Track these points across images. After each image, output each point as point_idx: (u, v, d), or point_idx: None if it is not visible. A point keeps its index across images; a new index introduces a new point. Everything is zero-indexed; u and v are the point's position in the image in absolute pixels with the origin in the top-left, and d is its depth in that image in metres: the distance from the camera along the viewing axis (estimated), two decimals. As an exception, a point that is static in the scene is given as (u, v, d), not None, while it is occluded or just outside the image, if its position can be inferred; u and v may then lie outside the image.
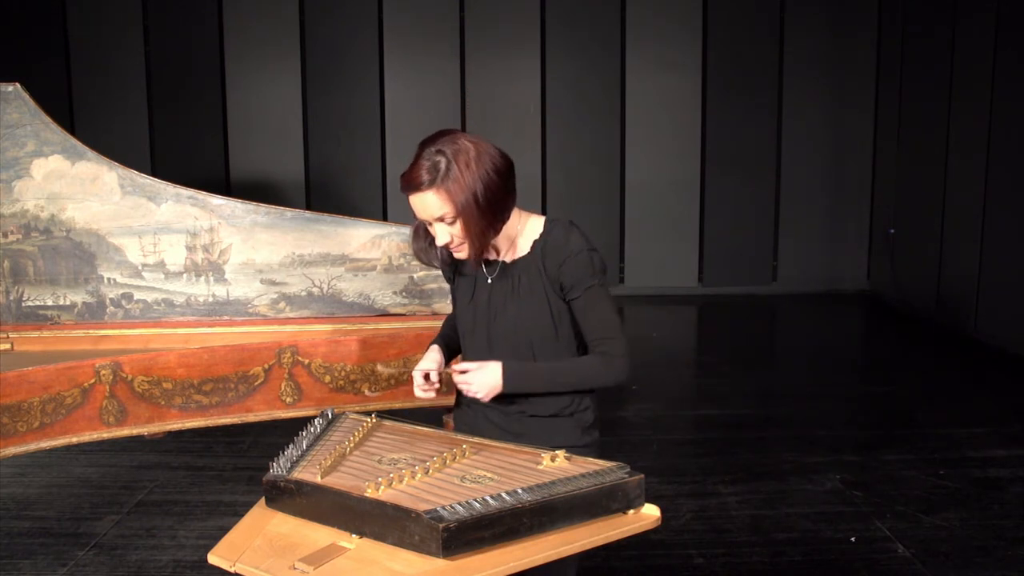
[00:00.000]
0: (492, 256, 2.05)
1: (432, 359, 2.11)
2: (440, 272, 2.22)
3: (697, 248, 8.72)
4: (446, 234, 1.92)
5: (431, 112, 8.21)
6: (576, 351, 2.03)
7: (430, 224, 1.94)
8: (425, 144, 1.90)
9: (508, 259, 2.03)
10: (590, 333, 1.98)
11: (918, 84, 7.71)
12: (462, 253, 1.96)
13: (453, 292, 2.17)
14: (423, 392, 2.06)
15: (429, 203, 1.88)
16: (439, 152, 1.87)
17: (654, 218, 8.59)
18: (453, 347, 2.19)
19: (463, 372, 1.97)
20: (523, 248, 2.02)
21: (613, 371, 1.98)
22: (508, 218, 1.98)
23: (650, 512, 1.68)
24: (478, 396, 1.96)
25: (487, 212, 1.89)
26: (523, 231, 2.03)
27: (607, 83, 8.49)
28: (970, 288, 6.81)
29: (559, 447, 1.84)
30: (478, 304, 2.05)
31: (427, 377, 2.06)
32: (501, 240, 2.01)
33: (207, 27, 8.38)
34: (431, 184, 1.86)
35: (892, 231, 8.23)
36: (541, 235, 2.01)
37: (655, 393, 5.45)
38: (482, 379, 1.94)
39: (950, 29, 7.09)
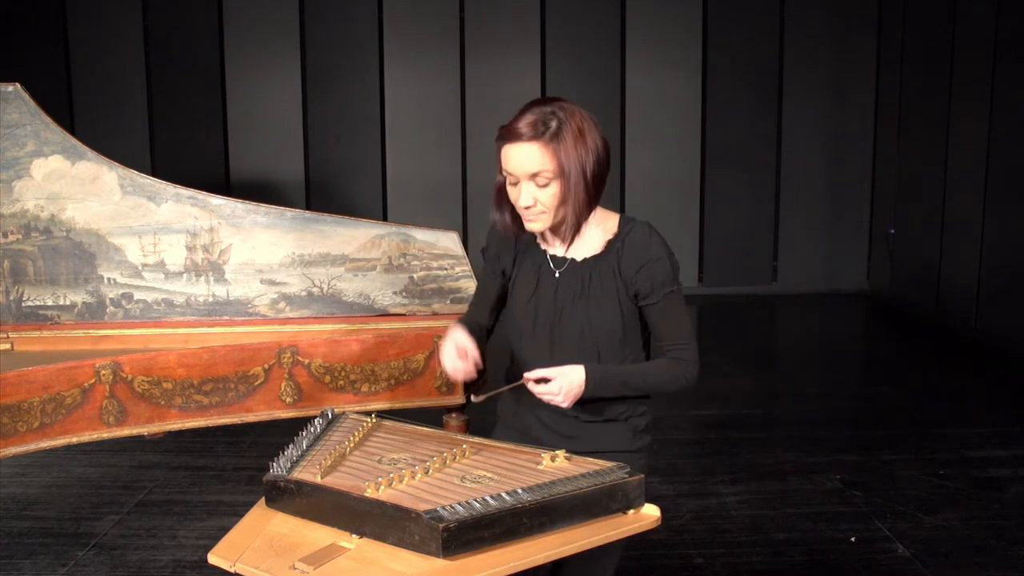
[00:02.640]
0: (557, 249, 1.93)
1: (466, 337, 1.92)
2: (441, 272, 2.18)
3: (697, 248, 8.72)
4: (531, 197, 1.79)
5: (431, 112, 8.19)
6: (640, 357, 1.96)
7: (514, 184, 1.81)
8: (535, 103, 1.80)
9: (578, 256, 1.92)
10: (664, 339, 1.91)
11: (918, 83, 7.70)
12: (538, 223, 1.84)
13: (511, 282, 2.00)
14: (456, 366, 1.88)
15: (530, 156, 1.75)
16: (552, 114, 1.77)
17: (654, 217, 8.40)
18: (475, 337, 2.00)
19: (541, 380, 1.80)
20: (595, 245, 1.91)
21: (685, 376, 1.91)
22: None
23: (650, 512, 1.68)
24: (563, 404, 1.82)
25: (590, 188, 1.80)
26: (593, 226, 1.91)
27: (607, 83, 8.49)
28: (970, 288, 6.80)
29: (610, 451, 1.82)
30: (541, 299, 1.93)
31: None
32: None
33: (207, 27, 8.38)
34: (538, 137, 1.75)
35: (892, 231, 8.23)
36: (616, 235, 1.91)
37: (655, 393, 5.43)
38: (568, 386, 1.80)
39: (950, 28, 7.08)
